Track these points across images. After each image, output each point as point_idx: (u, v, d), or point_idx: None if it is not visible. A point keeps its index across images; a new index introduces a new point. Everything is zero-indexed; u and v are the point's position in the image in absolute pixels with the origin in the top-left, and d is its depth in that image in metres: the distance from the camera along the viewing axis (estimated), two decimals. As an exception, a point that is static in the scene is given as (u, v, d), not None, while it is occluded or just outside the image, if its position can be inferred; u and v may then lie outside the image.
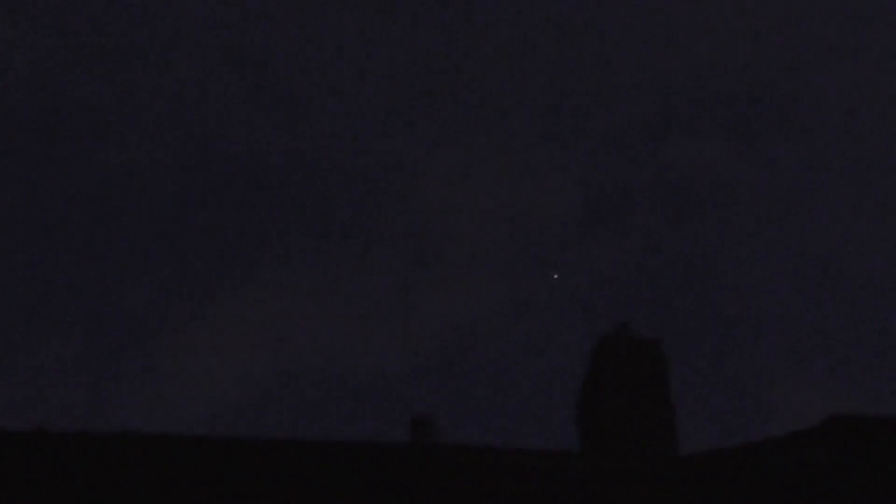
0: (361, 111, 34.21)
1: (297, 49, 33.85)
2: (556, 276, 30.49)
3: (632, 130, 35.09)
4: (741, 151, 35.99)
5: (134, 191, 32.04)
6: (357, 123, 33.64)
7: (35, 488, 11.71)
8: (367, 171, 33.29)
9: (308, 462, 12.00)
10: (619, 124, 35.24)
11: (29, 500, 11.65)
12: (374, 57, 34.23)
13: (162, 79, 32.96)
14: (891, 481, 12.50)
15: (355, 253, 32.56)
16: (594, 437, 14.53)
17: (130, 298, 31.08)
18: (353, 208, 32.57)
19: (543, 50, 35.20)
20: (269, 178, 33.00)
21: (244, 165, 32.84)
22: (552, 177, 34.69)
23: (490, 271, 32.86)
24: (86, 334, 29.92)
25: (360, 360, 31.35)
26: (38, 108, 31.88)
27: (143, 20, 32.48)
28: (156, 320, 31.05)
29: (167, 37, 32.90)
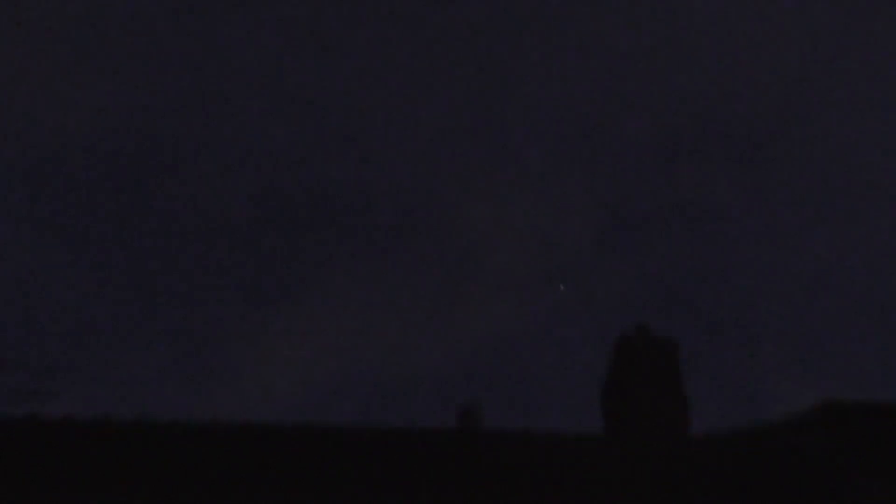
0: (412, 147, 35.91)
1: (355, 92, 35.50)
2: (562, 288, 31.88)
3: (645, 159, 36.52)
4: (741, 175, 37.06)
5: (220, 219, 33.86)
6: (408, 158, 35.44)
7: (135, 474, 12.25)
8: (416, 199, 35.05)
9: (369, 445, 12.42)
10: (633, 154, 36.75)
11: (144, 484, 12.25)
12: (420, 100, 35.95)
13: (239, 122, 34.73)
14: (880, 463, 12.63)
15: (407, 269, 34.17)
16: (617, 422, 14.76)
17: (217, 308, 33.07)
18: (406, 230, 34.25)
19: (568, 88, 36.65)
20: (334, 206, 34.78)
21: (313, 195, 34.76)
22: (576, 199, 36.14)
23: (523, 284, 34.51)
24: (176, 340, 31.73)
25: (412, 361, 33.03)
26: (132, 148, 33.86)
27: (219, 69, 34.14)
28: (237, 328, 32.96)
29: (243, 83, 34.58)
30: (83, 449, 12.50)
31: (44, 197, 33.02)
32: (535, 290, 34.54)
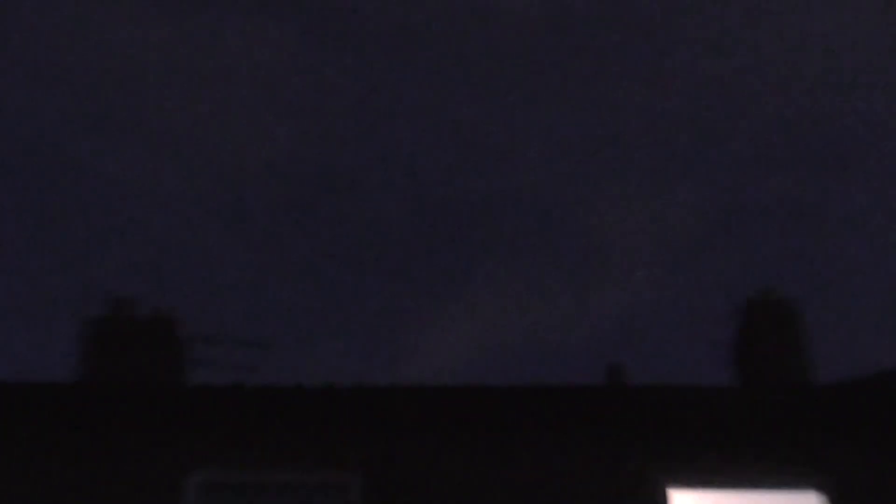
0: (550, 157, 38.71)
1: (500, 108, 38.12)
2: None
3: (751, 158, 38.35)
4: (828, 178, 38.27)
5: (392, 228, 37.27)
6: (546, 167, 38.33)
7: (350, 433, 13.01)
8: (555, 202, 38.23)
9: (528, 401, 13.07)
10: (731, 153, 38.61)
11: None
12: (558, 113, 38.46)
13: (400, 142, 37.75)
14: None
15: (549, 261, 37.63)
16: (748, 375, 15.98)
17: (375, 304, 36.51)
18: (547, 230, 37.50)
19: (683, 89, 38.43)
20: (487, 212, 38.09)
21: (468, 204, 38.03)
22: (679, 195, 38.41)
23: (646, 270, 37.18)
24: (360, 327, 35.27)
25: (558, 336, 36.17)
26: (313, 172, 37.44)
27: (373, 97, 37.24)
28: (411, 315, 36.56)
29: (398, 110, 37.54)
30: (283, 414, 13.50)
31: (248, 214, 36.21)
32: (656, 275, 37.21)
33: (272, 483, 12.16)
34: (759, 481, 12.51)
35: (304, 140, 38.74)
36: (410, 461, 12.85)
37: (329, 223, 38.14)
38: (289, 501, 12.10)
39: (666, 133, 38.99)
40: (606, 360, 15.63)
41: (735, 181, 38.53)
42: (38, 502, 12.02)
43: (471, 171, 39.05)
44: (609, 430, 13.00)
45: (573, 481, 12.38)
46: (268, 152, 38.37)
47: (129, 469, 12.26)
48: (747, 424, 12.97)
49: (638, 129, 38.77)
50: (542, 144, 39.02)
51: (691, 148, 38.77)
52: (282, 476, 12.36)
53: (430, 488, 12.62)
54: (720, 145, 38.34)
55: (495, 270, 39.57)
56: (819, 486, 12.46)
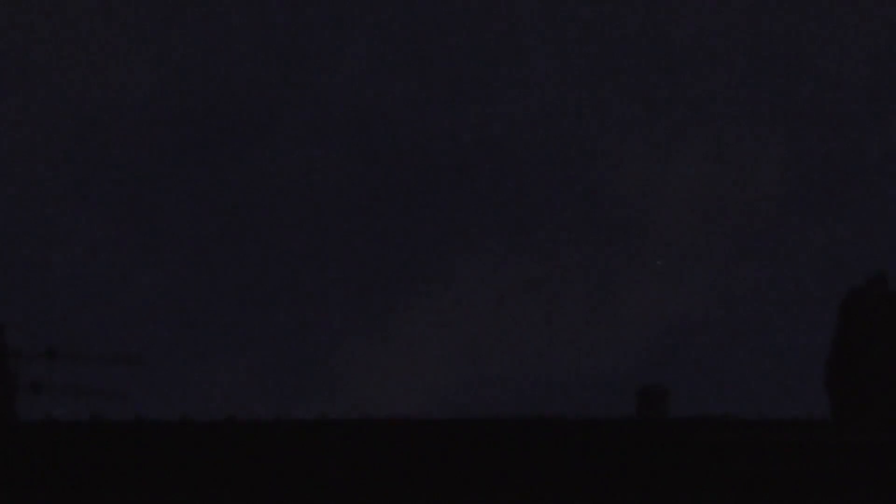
0: (552, 94, 33.47)
1: (484, 33, 33.36)
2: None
3: (841, 102, 33.32)
4: None
5: (316, 192, 31.96)
6: (549, 106, 32.96)
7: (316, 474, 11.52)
8: (561, 158, 32.64)
9: (534, 438, 12.03)
10: (827, 96, 33.57)
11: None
12: (563, 41, 33.48)
13: (334, 70, 32.75)
14: None
15: (556, 242, 32.08)
16: (847, 402, 13.68)
17: (328, 297, 31.27)
18: (549, 198, 31.90)
19: (739, 9, 33.71)
20: (464, 169, 32.51)
21: (434, 157, 32.45)
22: (754, 154, 33.29)
23: (696, 260, 31.97)
24: (275, 334, 30.25)
25: (572, 354, 30.92)
26: (207, 107, 32.25)
27: (310, 9, 32.40)
28: (352, 321, 31.17)
29: (340, 27, 32.73)
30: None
31: (100, 168, 31.38)
32: (715, 263, 31.86)
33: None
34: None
35: (179, 76, 33.29)
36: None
37: (229, 180, 32.55)
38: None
39: (735, 52, 33.51)
40: (639, 383, 14.14)
41: (830, 130, 33.21)
42: None
43: (442, 110, 33.08)
44: (642, 475, 11.95)
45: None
46: (132, 93, 32.80)
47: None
48: (843, 472, 11.83)
49: (691, 40, 33.17)
50: (547, 70, 33.17)
51: (770, 80, 33.47)
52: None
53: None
54: (813, 76, 33.02)
55: (478, 256, 33.06)
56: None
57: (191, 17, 32.73)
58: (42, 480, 11.48)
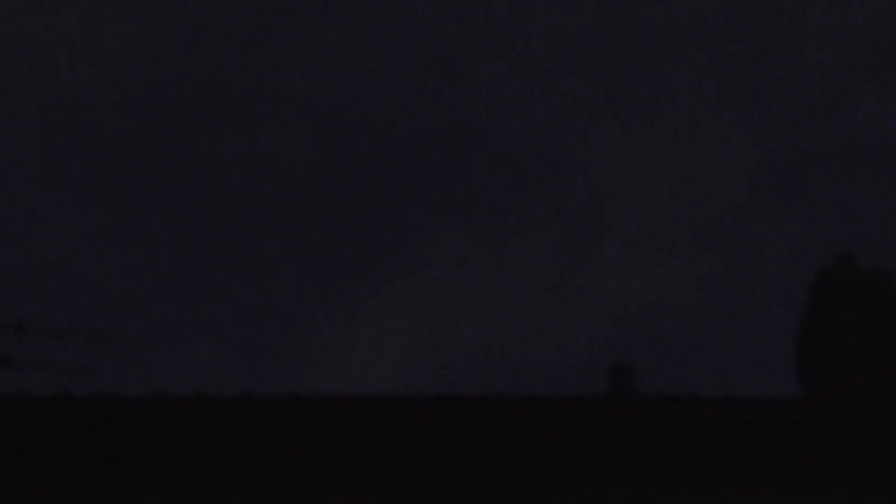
0: (523, 81, 33.63)
1: (456, 20, 33.39)
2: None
3: (811, 87, 33.52)
4: None
5: (290, 177, 32.00)
6: (519, 94, 33.10)
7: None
8: (525, 143, 32.82)
9: (505, 415, 11.94)
10: (796, 81, 33.79)
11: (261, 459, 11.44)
12: (536, 27, 33.55)
13: (302, 53, 32.76)
14: None
15: (524, 226, 32.27)
16: (817, 381, 13.92)
17: (303, 282, 31.33)
18: (522, 179, 32.18)
19: None
20: (431, 156, 32.63)
21: (398, 142, 32.55)
22: (726, 137, 33.50)
23: (664, 244, 32.24)
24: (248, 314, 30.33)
25: (540, 335, 31.16)
26: (175, 91, 32.13)
27: (274, 4, 32.38)
28: (324, 306, 31.25)
29: (307, 9, 32.67)
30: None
31: (73, 147, 31.33)
32: (682, 251, 32.12)
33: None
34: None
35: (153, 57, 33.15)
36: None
37: (200, 167, 32.45)
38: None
39: (698, 41, 33.61)
40: (610, 360, 14.29)
41: (800, 113, 33.45)
42: None
43: (413, 96, 32.87)
44: (613, 454, 12.02)
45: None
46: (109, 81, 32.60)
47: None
48: (813, 451, 11.91)
49: (656, 31, 33.21)
50: (517, 60, 33.36)
51: (735, 68, 33.64)
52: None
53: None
54: (778, 63, 33.25)
55: (445, 243, 33.59)
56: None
57: (170, 11, 32.77)
58: (11, 456, 11.45)
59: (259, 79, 32.18)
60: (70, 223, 31.43)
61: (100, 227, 31.56)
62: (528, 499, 11.86)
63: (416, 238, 32.61)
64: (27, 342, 11.92)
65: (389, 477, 11.75)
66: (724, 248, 31.44)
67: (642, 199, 32.23)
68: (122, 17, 32.17)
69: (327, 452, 11.78)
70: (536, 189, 32.22)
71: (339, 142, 32.81)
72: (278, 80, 32.73)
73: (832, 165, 32.14)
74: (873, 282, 13.67)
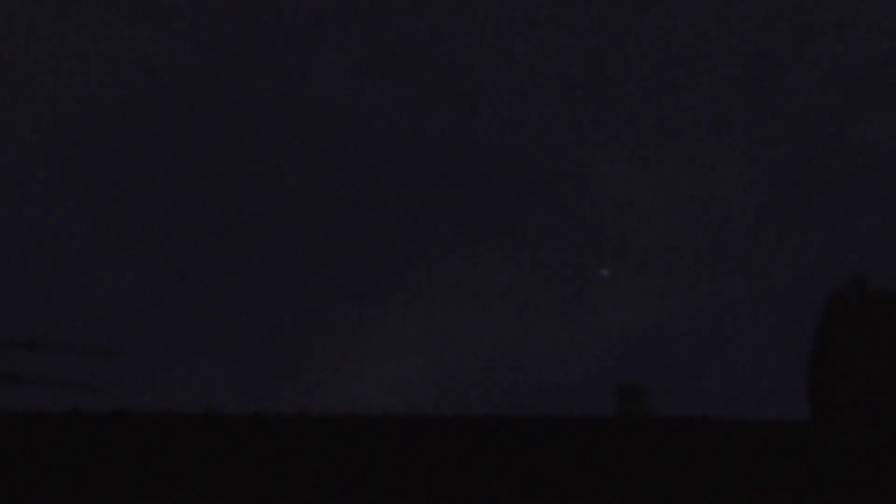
0: (528, 100, 33.60)
1: (461, 36, 33.36)
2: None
3: (820, 111, 33.44)
4: None
5: (300, 190, 31.94)
6: (523, 113, 33.06)
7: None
8: (534, 166, 32.79)
9: (513, 436, 11.74)
10: (805, 104, 33.70)
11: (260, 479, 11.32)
12: (542, 44, 33.50)
13: (319, 74, 32.74)
14: None
15: (530, 247, 32.21)
16: (828, 404, 13.61)
17: (308, 301, 31.31)
18: (525, 201, 32.10)
19: (711, 19, 33.80)
20: (438, 175, 32.63)
21: (406, 161, 32.54)
22: (736, 159, 33.41)
23: (674, 268, 32.09)
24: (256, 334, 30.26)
25: (544, 359, 31.05)
26: (183, 113, 32.12)
27: (282, 17, 32.35)
28: (329, 324, 31.12)
29: (313, 31, 32.64)
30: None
31: (81, 162, 31.32)
32: (692, 272, 31.99)
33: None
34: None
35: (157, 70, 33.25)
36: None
37: (208, 190, 32.47)
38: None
39: (709, 62, 33.59)
40: (620, 381, 14.08)
41: (806, 130, 33.44)
42: None
43: (417, 119, 32.85)
44: (622, 475, 11.83)
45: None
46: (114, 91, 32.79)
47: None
48: (823, 474, 11.73)
49: (664, 50, 33.23)
50: (522, 79, 33.38)
51: (745, 87, 33.57)
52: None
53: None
54: (789, 81, 33.18)
55: (452, 262, 32.74)
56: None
57: (168, 19, 32.73)
58: (20, 472, 11.43)
59: (265, 95, 32.22)
60: (79, 240, 31.45)
61: (108, 244, 31.58)
62: (536, 520, 11.63)
63: (424, 258, 32.61)
64: (36, 358, 11.86)
65: (396, 497, 11.59)
66: (734, 270, 31.31)
67: (652, 221, 32.15)
68: (126, 25, 32.27)
69: (334, 471, 11.61)
70: (546, 208, 32.19)
71: (347, 161, 32.84)
72: (286, 96, 32.77)
73: (842, 188, 32.06)
74: (884, 305, 13.44)
